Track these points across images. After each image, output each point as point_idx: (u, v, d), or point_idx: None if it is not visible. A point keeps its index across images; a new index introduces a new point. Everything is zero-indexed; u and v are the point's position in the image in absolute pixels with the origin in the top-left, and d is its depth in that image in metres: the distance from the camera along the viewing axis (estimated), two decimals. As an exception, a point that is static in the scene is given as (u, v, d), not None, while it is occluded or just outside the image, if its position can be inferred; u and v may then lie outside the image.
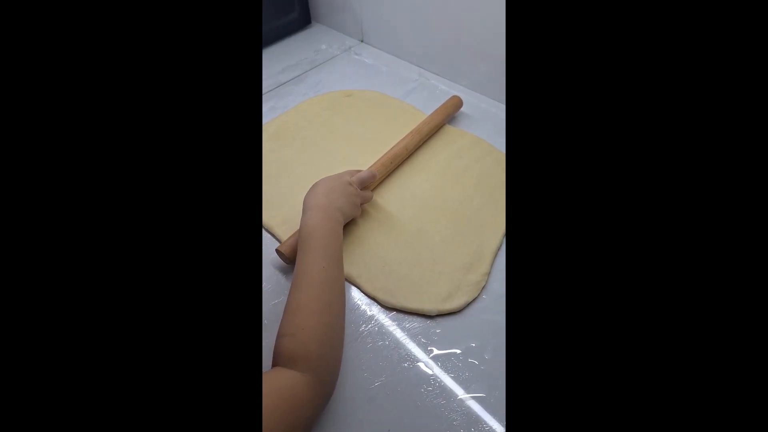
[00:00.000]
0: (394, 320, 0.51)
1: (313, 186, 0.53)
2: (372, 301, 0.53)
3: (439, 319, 0.51)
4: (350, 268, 0.55)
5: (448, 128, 0.74)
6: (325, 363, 0.38)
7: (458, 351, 0.48)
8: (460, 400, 0.44)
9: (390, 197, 0.63)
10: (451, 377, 0.46)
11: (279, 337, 0.39)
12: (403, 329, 0.50)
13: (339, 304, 0.42)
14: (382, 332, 0.50)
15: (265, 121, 0.77)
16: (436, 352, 0.48)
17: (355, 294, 0.54)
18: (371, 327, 0.50)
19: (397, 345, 0.49)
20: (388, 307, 0.52)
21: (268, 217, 0.61)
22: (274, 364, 0.38)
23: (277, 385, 0.35)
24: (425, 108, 0.79)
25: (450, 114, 0.75)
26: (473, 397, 0.44)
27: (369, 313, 0.52)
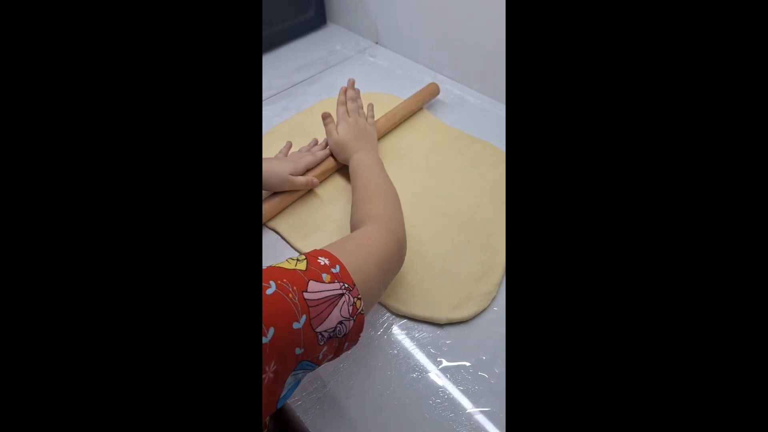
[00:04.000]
0: (403, 329, 0.50)
1: (344, 141, 0.63)
2: (381, 309, 0.52)
3: (449, 330, 0.50)
4: (360, 274, 0.55)
5: (462, 135, 0.74)
6: (390, 217, 0.48)
7: (468, 364, 0.47)
8: (469, 413, 0.44)
9: (402, 203, 0.63)
10: (460, 390, 0.45)
11: (352, 216, 0.51)
12: (412, 339, 0.49)
13: (394, 190, 0.55)
14: (392, 341, 0.49)
15: (279, 121, 0.77)
16: (445, 363, 0.47)
17: (365, 300, 0.53)
18: (380, 335, 0.50)
19: (406, 355, 0.48)
20: (398, 315, 0.51)
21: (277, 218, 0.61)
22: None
23: (356, 235, 0.44)
24: (439, 112, 0.78)
25: (426, 100, 0.79)
26: (482, 412, 0.44)
27: (378, 321, 0.51)
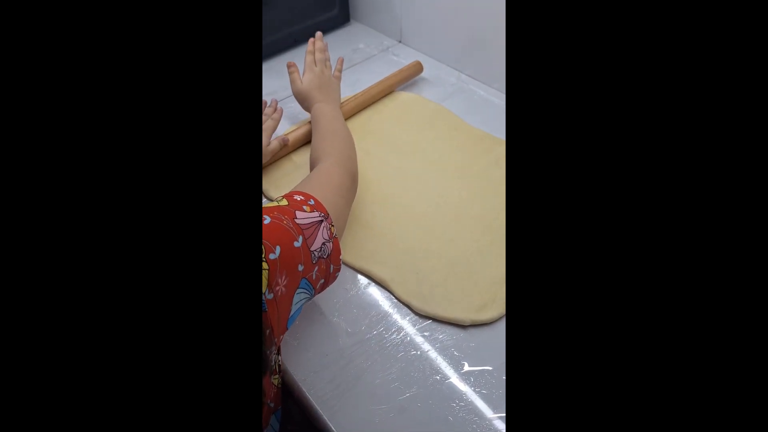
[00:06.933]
0: (426, 330, 0.50)
1: (307, 90, 0.68)
2: (404, 310, 0.52)
3: (472, 332, 0.50)
4: (383, 272, 0.55)
5: (486, 136, 0.73)
6: (342, 153, 0.57)
7: (491, 368, 0.47)
8: (493, 418, 0.43)
9: (425, 204, 0.63)
10: (483, 394, 0.45)
11: (311, 155, 0.59)
12: (435, 340, 0.49)
13: (348, 133, 0.62)
14: (415, 342, 0.49)
15: (303, 117, 0.77)
16: (469, 367, 0.47)
17: (387, 302, 0.53)
18: (403, 336, 0.50)
19: (429, 357, 0.48)
20: (421, 315, 0.51)
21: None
22: None
23: (316, 173, 0.52)
24: (462, 113, 0.78)
25: (406, 79, 0.82)
26: (503, 417, 0.43)
27: (401, 321, 0.51)
